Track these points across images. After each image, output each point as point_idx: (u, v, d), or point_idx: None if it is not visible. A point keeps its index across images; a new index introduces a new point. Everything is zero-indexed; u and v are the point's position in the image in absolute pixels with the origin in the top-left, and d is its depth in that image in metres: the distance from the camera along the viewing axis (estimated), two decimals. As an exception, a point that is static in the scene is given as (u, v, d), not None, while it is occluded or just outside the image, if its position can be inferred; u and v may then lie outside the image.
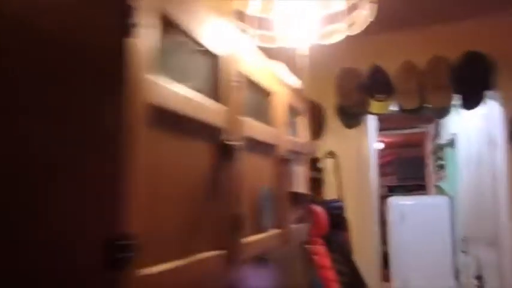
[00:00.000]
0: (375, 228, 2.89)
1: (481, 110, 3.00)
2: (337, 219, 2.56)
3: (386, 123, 6.14)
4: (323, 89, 2.94)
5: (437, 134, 4.65)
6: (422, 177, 7.07)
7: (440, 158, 4.68)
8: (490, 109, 2.84)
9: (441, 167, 4.64)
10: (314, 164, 2.77)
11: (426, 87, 2.64)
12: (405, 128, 6.16)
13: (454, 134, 3.81)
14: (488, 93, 2.66)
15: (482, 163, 2.97)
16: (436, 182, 4.88)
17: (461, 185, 3.39)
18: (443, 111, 2.75)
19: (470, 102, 2.64)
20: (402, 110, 2.76)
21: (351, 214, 2.85)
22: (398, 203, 4.48)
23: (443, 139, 4.27)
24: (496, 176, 2.76)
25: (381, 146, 6.67)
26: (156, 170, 0.70)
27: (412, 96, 2.66)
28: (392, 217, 4.47)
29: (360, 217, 2.87)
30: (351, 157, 2.93)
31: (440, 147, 4.59)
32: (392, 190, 7.34)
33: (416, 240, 4.27)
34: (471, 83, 2.59)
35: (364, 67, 2.82)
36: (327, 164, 2.92)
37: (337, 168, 2.89)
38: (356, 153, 2.94)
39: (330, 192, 2.87)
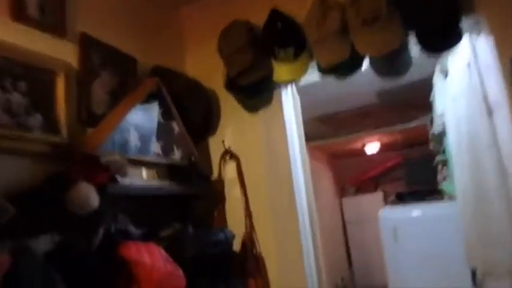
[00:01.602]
0: (310, 265, 1.70)
1: (460, 59, 1.81)
2: (218, 264, 1.43)
3: (377, 120, 4.91)
4: (210, 61, 1.86)
5: (432, 121, 3.41)
6: (435, 180, 5.71)
7: (441, 152, 3.41)
8: (474, 53, 1.66)
9: (444, 163, 3.36)
10: (196, 171, 1.67)
11: (353, 25, 1.51)
12: (402, 123, 4.93)
13: (442, 115, 2.59)
14: (463, 24, 1.50)
15: (477, 145, 1.76)
16: (440, 184, 3.58)
17: (458, 186, 2.14)
18: (391, 63, 1.59)
19: (432, 42, 1.48)
20: (323, 71, 1.63)
21: (268, 248, 1.71)
22: (388, 216, 3.22)
23: (437, 125, 3.03)
24: (502, 162, 1.55)
25: (377, 146, 5.41)
26: None
27: (333, 43, 1.53)
28: (384, 236, 3.22)
29: (284, 251, 1.71)
30: (260, 157, 1.79)
31: (436, 137, 3.33)
32: (401, 198, 5.98)
33: (419, 270, 2.98)
34: (427, 9, 1.44)
35: (259, 17, 1.73)
36: (226, 172, 1.81)
37: (240, 175, 1.77)
38: (269, 150, 1.80)
39: (234, 215, 1.74)
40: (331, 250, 5.34)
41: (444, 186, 3.18)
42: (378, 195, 6.11)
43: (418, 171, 5.95)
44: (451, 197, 3.45)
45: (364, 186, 6.51)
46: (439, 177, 3.54)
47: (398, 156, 6.45)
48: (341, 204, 6.29)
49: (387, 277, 3.11)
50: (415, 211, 3.30)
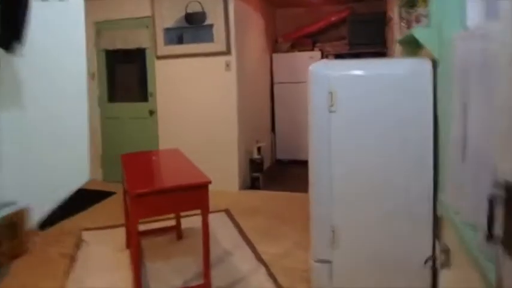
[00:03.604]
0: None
1: None
2: None
3: None
4: None
5: None
6: (384, 43, 4.60)
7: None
8: None
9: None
10: None
11: None
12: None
13: None
14: None
15: None
16: (402, 34, 2.34)
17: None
18: None
19: None
20: None
21: None
22: (325, 73, 1.99)
23: None
24: None
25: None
26: None
27: None
28: (314, 100, 2.03)
29: None
30: None
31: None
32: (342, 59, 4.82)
33: (355, 150, 1.92)
34: None
35: None
36: None
37: None
38: None
39: None
40: (253, 113, 4.25)
41: (416, 32, 1.93)
42: (315, 55, 4.90)
43: (364, 30, 4.70)
44: (416, 52, 2.30)
45: (301, 42, 5.19)
46: (407, 21, 2.27)
47: (343, 11, 5.06)
48: (271, 61, 5.02)
49: (312, 172, 2.03)
50: (361, 69, 2.08)
